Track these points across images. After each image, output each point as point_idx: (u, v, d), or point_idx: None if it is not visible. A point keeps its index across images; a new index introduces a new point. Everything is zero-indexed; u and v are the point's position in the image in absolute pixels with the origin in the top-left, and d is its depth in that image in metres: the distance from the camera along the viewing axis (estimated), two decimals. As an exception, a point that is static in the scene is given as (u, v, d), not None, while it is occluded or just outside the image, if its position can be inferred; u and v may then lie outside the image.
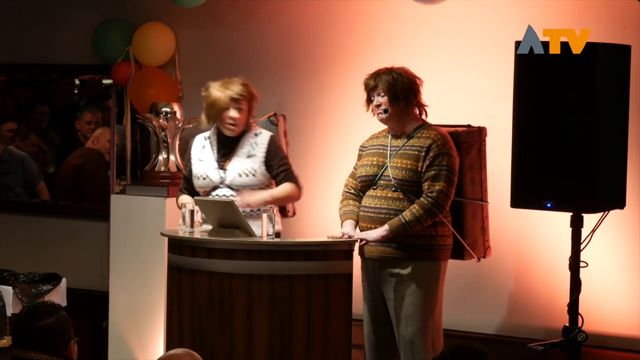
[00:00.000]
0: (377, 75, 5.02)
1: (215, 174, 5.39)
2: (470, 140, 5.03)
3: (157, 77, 6.51)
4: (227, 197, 5.33)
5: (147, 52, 6.51)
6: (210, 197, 5.40)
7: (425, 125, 5.02)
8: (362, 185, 5.10)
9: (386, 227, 4.93)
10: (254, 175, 5.36)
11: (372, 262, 5.06)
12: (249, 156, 5.38)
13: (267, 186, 5.42)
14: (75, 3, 6.93)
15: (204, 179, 5.41)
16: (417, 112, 5.05)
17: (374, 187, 5.04)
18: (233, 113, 5.33)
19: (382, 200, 4.99)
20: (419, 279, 4.93)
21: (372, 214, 5.01)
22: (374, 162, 5.06)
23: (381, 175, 5.02)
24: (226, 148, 5.42)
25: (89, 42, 6.71)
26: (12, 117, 7.41)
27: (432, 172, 4.88)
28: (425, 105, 5.04)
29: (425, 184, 4.89)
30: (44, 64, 7.08)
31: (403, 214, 4.89)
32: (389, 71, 5.01)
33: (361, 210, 5.08)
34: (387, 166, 4.99)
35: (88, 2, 6.87)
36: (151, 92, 6.42)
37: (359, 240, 5.02)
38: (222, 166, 5.40)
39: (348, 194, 5.19)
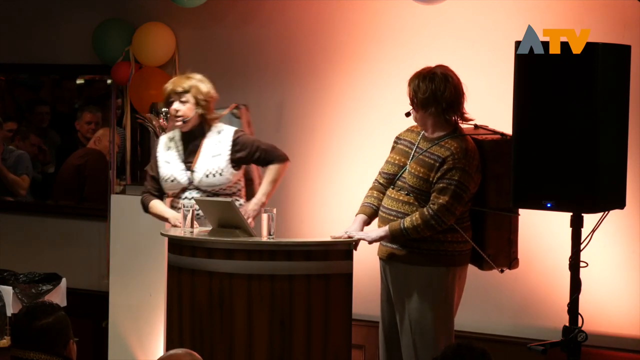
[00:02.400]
0: (411, 79, 4.92)
1: (182, 176, 5.40)
2: (497, 150, 4.91)
3: (157, 77, 6.51)
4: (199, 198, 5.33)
5: (147, 52, 6.51)
6: (210, 197, 5.40)
7: (452, 134, 4.89)
8: (385, 181, 5.07)
9: (386, 228, 4.92)
10: (220, 174, 5.37)
11: (382, 262, 5.06)
12: (214, 156, 5.38)
13: (235, 184, 5.44)
14: (75, 3, 6.93)
15: (172, 181, 5.42)
16: (453, 118, 4.90)
17: (393, 187, 5.00)
18: (176, 105, 5.35)
19: (395, 202, 4.96)
20: (419, 283, 4.90)
21: (385, 215, 4.99)
22: (396, 162, 5.00)
23: (400, 176, 4.98)
24: (191, 147, 5.43)
25: (89, 42, 6.72)
26: (12, 117, 7.42)
27: (441, 185, 4.81)
28: (465, 113, 4.91)
29: (432, 195, 4.83)
30: (44, 64, 7.08)
31: (404, 219, 4.86)
32: (417, 76, 4.90)
33: (380, 210, 5.06)
34: (406, 168, 4.97)
35: (88, 2, 6.87)
36: (151, 92, 6.42)
37: (359, 241, 5.01)
38: (189, 167, 5.40)
39: (376, 184, 5.12)
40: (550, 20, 5.28)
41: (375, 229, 5.01)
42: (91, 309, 6.59)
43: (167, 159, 5.46)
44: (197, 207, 5.26)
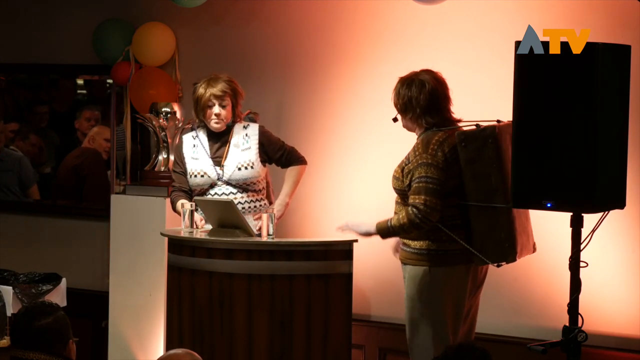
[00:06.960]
0: (395, 85, 4.97)
1: (212, 171, 5.42)
2: (468, 140, 4.93)
3: (157, 77, 6.51)
4: (227, 195, 5.36)
5: (147, 52, 6.51)
6: (209, 197, 5.40)
7: (425, 131, 4.92)
8: None
9: (374, 224, 4.92)
10: (252, 167, 5.43)
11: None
12: (244, 149, 5.43)
13: (262, 180, 5.51)
14: (75, 3, 6.93)
15: (202, 176, 5.44)
16: (432, 121, 4.90)
17: None
18: (216, 109, 5.43)
19: (395, 203, 4.99)
20: (408, 283, 4.91)
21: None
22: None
23: None
24: (218, 144, 5.46)
25: (89, 42, 6.71)
26: (12, 117, 7.41)
27: (414, 185, 4.81)
28: (447, 115, 4.93)
29: (410, 197, 4.82)
30: (44, 64, 7.08)
31: (392, 217, 4.88)
32: (399, 83, 4.95)
33: None
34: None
35: (88, 2, 6.87)
36: (151, 92, 6.42)
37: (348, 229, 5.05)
38: (218, 162, 5.43)
39: None
40: (550, 20, 5.28)
41: (368, 223, 4.98)
42: (91, 309, 6.59)
43: (194, 156, 5.49)
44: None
